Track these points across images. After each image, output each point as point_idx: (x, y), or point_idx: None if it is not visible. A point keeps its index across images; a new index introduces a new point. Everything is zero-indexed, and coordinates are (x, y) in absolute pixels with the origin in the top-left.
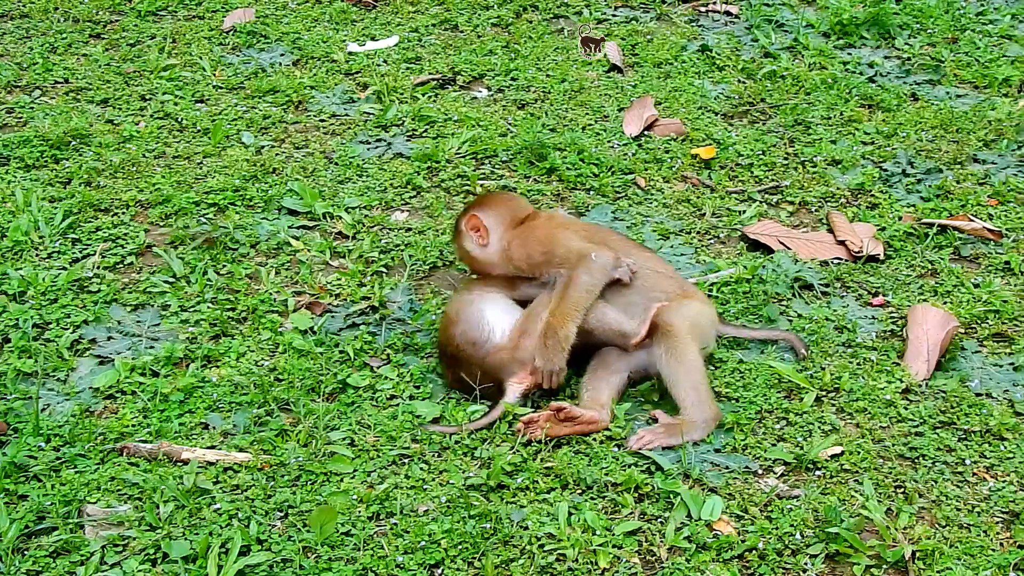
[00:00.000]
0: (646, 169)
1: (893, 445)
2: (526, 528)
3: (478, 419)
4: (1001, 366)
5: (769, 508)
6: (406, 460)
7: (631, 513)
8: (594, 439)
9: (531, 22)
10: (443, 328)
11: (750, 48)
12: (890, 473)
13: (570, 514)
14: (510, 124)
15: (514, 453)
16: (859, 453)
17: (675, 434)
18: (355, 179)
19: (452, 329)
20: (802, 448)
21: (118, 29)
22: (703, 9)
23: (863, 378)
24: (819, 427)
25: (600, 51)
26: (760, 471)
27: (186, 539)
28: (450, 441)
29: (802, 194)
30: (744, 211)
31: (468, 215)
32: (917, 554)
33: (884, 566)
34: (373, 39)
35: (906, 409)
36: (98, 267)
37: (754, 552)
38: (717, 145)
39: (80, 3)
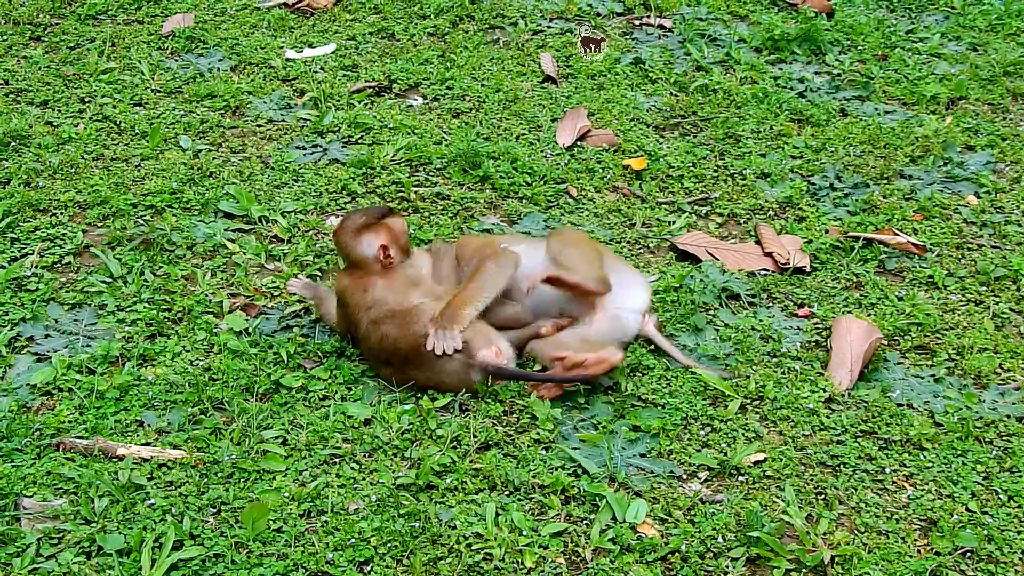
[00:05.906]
0: (578, 179)
1: (815, 453)
2: (454, 527)
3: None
4: (922, 378)
5: (692, 512)
6: (337, 459)
7: (557, 514)
8: (522, 443)
9: (467, 32)
10: (383, 340)
11: (683, 61)
12: (811, 480)
13: (497, 514)
14: (445, 132)
15: (443, 454)
16: (781, 460)
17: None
18: (291, 184)
19: (398, 337)
20: (726, 454)
21: (58, 32)
22: (637, 22)
23: (787, 387)
24: (743, 434)
25: (600, 51)
26: (684, 476)
27: (120, 533)
28: (381, 442)
29: (731, 206)
30: (674, 222)
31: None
32: (836, 559)
33: (803, 570)
34: (311, 46)
35: (828, 418)
36: (36, 266)
37: (677, 555)
38: (648, 156)
39: (20, 5)
